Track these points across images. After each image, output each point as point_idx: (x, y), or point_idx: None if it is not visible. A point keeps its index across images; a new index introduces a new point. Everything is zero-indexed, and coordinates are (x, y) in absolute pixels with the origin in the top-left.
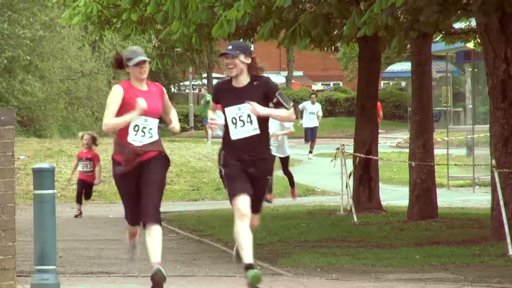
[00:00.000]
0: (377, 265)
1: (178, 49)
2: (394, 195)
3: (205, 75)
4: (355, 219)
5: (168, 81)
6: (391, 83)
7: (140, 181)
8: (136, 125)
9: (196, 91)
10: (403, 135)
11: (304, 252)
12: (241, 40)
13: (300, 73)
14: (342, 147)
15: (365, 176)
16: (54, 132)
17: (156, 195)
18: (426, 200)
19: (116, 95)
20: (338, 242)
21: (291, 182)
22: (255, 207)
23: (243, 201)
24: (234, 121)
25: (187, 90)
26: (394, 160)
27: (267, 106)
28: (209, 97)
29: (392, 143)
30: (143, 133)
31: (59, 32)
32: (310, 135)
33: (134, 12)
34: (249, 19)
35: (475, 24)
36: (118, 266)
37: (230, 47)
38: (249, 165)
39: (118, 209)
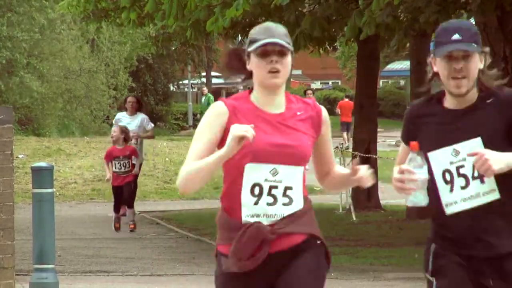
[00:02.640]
0: (376, 264)
1: (176, 44)
2: (393, 194)
3: (204, 73)
4: (354, 218)
5: (167, 79)
6: (390, 82)
7: None
8: (256, 184)
9: (195, 89)
10: None
11: None
12: (239, 37)
13: (298, 71)
14: (341, 146)
15: None
16: (53, 131)
17: None
18: None
19: (210, 121)
20: (337, 240)
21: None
22: None
23: None
24: (447, 177)
25: (186, 89)
26: (393, 158)
27: (509, 141)
28: (210, 97)
29: (391, 142)
30: (271, 197)
31: (58, 32)
32: None
33: (133, 12)
34: (245, 17)
35: (473, 23)
36: (116, 265)
37: (457, 35)
38: (486, 271)
39: None
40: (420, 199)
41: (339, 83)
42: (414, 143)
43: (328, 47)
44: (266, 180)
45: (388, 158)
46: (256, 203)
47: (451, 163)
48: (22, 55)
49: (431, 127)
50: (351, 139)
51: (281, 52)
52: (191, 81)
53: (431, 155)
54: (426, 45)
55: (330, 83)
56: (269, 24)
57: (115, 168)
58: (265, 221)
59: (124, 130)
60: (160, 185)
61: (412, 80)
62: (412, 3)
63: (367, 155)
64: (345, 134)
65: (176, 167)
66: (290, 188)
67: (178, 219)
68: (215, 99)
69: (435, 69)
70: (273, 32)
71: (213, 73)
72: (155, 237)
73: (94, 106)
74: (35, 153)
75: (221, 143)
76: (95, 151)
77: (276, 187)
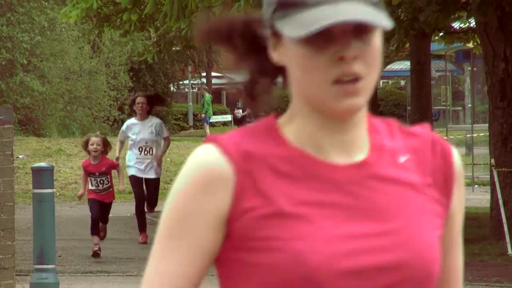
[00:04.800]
0: None
1: (177, 48)
2: None
3: (204, 74)
4: None
5: (168, 80)
6: (390, 82)
7: None
8: None
9: (196, 90)
10: None
11: None
12: None
13: None
14: None
15: None
16: (53, 131)
17: None
18: None
19: (192, 208)
20: None
21: (143, 225)
22: None
23: None
24: None
25: (186, 89)
26: None
27: None
28: (208, 97)
29: None
30: None
31: (59, 32)
32: None
33: (134, 13)
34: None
35: (474, 23)
36: (117, 265)
37: None
38: None
39: (117, 208)
40: None
41: None
42: None
43: None
44: None
45: None
46: None
47: None
48: (23, 55)
49: None
50: None
51: (363, 29)
52: (192, 82)
53: None
54: (426, 46)
55: None
56: None
57: (91, 185)
58: None
59: (104, 140)
60: (160, 186)
61: (412, 81)
62: (412, 3)
63: None
64: None
65: (177, 168)
66: None
67: None
68: (214, 100)
69: None
70: None
71: (213, 74)
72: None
73: (94, 107)
74: (35, 153)
75: (223, 252)
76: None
77: None
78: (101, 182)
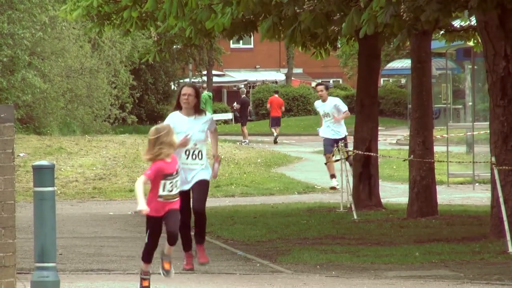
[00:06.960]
0: (377, 262)
1: (178, 46)
2: (394, 192)
3: (205, 72)
4: (355, 216)
5: (168, 78)
6: (391, 80)
7: None
8: None
9: None
10: (403, 132)
11: (304, 249)
12: (240, 35)
13: (299, 70)
14: (341, 145)
15: (365, 173)
16: (54, 129)
17: None
18: (425, 197)
19: None
20: (338, 239)
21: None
22: None
23: None
24: None
25: None
26: (392, 157)
27: None
28: (206, 95)
29: (392, 140)
30: None
31: (60, 31)
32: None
33: (134, 11)
34: (245, 14)
35: (475, 21)
36: (118, 263)
37: None
38: None
39: (118, 207)
40: None
41: (340, 82)
42: None
43: (329, 47)
44: None
45: (389, 156)
46: None
47: None
48: (25, 53)
49: None
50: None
51: None
52: (192, 80)
53: None
54: (427, 44)
55: (331, 81)
56: None
57: (163, 190)
58: None
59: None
60: None
61: (413, 79)
62: (413, 2)
63: (368, 154)
64: (276, 129)
65: None
66: None
67: None
68: (214, 98)
69: None
70: None
71: (214, 72)
72: None
73: (95, 105)
74: (36, 151)
75: None
76: (96, 149)
77: None
78: (176, 184)
